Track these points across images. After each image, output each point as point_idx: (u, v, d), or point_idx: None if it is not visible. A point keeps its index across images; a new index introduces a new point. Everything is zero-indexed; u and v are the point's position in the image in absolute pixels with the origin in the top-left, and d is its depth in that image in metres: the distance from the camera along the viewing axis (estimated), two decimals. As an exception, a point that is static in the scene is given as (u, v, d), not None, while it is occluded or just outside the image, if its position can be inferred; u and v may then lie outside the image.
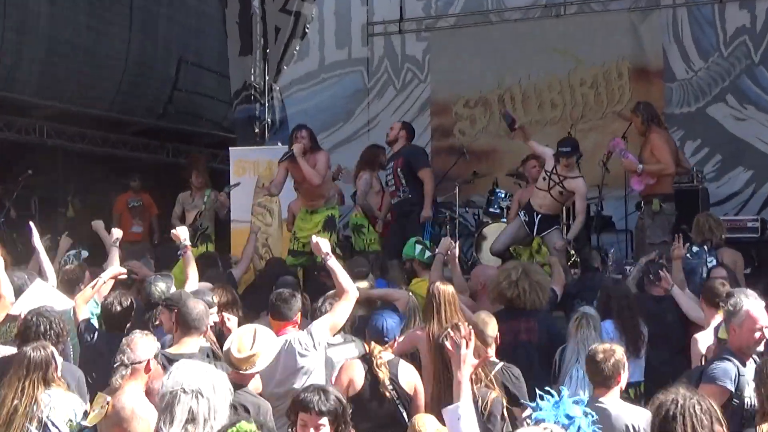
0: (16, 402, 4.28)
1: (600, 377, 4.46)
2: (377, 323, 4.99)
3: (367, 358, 4.95)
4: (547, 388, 3.73)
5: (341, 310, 5.25)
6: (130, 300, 5.72)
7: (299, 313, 5.32)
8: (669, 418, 3.19)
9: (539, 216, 8.33)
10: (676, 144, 9.17)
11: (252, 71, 12.46)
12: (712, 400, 3.31)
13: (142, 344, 4.30)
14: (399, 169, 9.01)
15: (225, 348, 4.46)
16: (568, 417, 3.58)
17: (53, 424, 4.26)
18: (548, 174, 8.29)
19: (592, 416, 3.64)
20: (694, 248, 7.27)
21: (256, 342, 4.37)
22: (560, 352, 5.58)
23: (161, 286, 5.94)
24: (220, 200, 9.88)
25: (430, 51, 12.63)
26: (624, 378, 4.48)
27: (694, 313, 6.15)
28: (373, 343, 4.96)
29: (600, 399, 4.41)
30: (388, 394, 4.78)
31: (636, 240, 8.87)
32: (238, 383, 4.17)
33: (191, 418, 3.36)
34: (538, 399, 3.65)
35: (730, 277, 6.51)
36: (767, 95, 11.00)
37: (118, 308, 5.60)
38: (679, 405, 3.20)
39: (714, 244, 7.37)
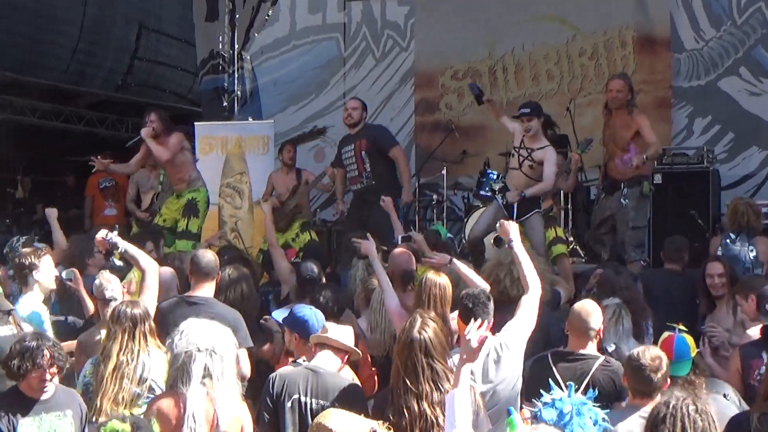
0: (122, 358, 4.44)
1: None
2: (302, 316, 4.76)
3: None
4: (552, 396, 3.71)
5: None
6: None
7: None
8: (659, 420, 3.30)
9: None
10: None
11: (219, 39, 11.94)
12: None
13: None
14: (363, 152, 8.76)
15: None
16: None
17: (157, 384, 4.44)
18: (516, 150, 8.02)
19: (603, 428, 3.69)
20: (731, 235, 7.11)
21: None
22: None
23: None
24: None
25: (414, 16, 12.03)
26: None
27: None
28: None
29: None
30: None
31: (618, 222, 8.46)
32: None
33: (207, 374, 3.75)
34: (540, 408, 3.68)
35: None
36: (785, 68, 10.57)
37: None
38: (670, 406, 3.31)
39: (749, 233, 7.11)
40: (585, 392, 4.42)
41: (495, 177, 9.04)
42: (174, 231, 8.54)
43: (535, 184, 7.90)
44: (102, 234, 5.42)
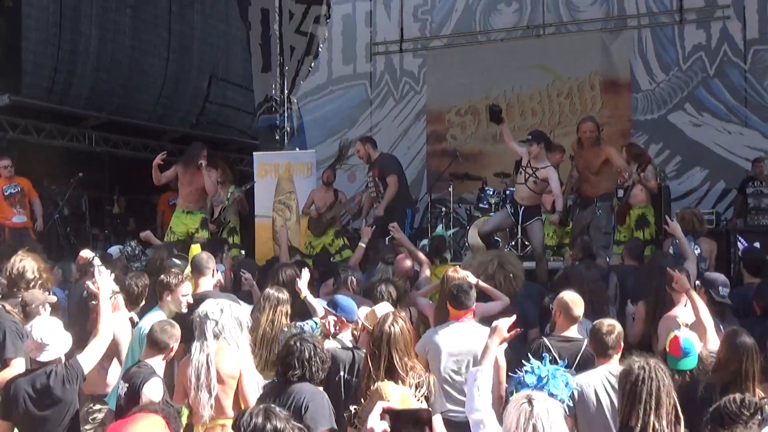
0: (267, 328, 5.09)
1: (603, 348, 4.48)
2: (345, 302, 5.03)
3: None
4: (531, 364, 3.94)
5: None
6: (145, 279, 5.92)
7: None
8: (639, 380, 3.48)
9: (522, 208, 8.27)
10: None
11: (272, 86, 12.26)
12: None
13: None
14: (377, 178, 9.23)
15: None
16: (551, 394, 3.73)
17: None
18: (523, 168, 8.28)
19: (572, 389, 3.97)
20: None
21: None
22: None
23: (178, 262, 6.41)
24: (236, 199, 9.94)
25: (426, 66, 12.66)
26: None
27: None
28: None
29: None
30: None
31: (591, 227, 8.75)
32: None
33: (213, 333, 4.32)
34: (523, 375, 3.93)
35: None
36: (721, 104, 11.11)
37: (136, 289, 5.77)
38: (646, 369, 3.49)
39: (696, 235, 7.34)
40: (576, 366, 4.74)
41: (491, 193, 9.90)
42: (188, 239, 8.79)
43: (535, 196, 8.19)
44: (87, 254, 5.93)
